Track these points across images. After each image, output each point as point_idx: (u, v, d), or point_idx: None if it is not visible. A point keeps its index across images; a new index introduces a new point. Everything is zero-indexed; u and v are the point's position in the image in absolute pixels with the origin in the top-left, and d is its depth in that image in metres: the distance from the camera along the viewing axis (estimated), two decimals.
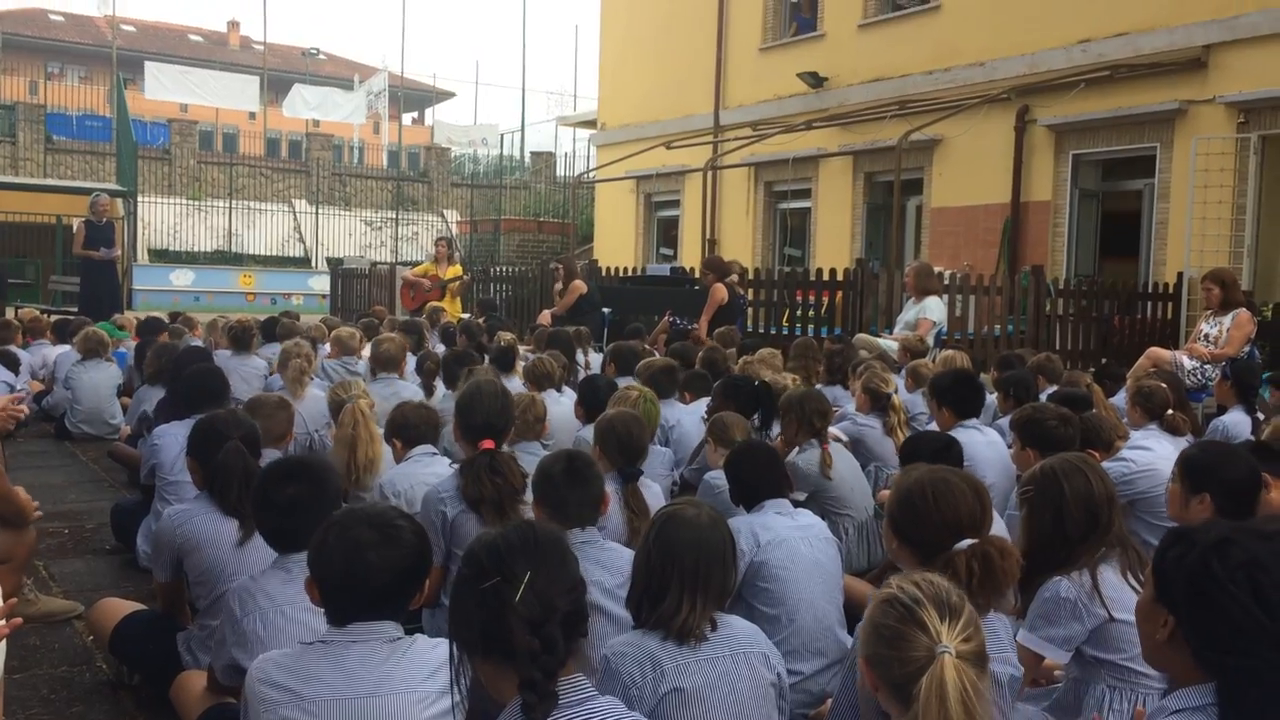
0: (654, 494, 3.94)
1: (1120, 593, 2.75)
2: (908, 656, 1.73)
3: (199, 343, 8.74)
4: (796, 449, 4.77)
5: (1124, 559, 2.82)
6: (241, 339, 7.72)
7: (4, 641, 2.26)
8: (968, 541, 2.47)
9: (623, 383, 5.72)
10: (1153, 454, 4.50)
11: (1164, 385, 5.16)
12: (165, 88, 27.00)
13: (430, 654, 2.22)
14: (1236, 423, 5.77)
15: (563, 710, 1.82)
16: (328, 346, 8.13)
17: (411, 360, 7.39)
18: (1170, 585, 1.86)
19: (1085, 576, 2.76)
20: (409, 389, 6.54)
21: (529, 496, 3.54)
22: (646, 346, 8.54)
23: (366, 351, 8.12)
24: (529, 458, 3.93)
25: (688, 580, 2.39)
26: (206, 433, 3.57)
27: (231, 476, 3.34)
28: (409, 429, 4.32)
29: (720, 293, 10.17)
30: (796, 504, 4.52)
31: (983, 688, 1.69)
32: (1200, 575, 1.80)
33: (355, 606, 2.20)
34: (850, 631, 3.31)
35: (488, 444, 3.68)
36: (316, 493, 2.79)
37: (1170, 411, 4.93)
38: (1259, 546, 1.80)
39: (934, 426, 5.24)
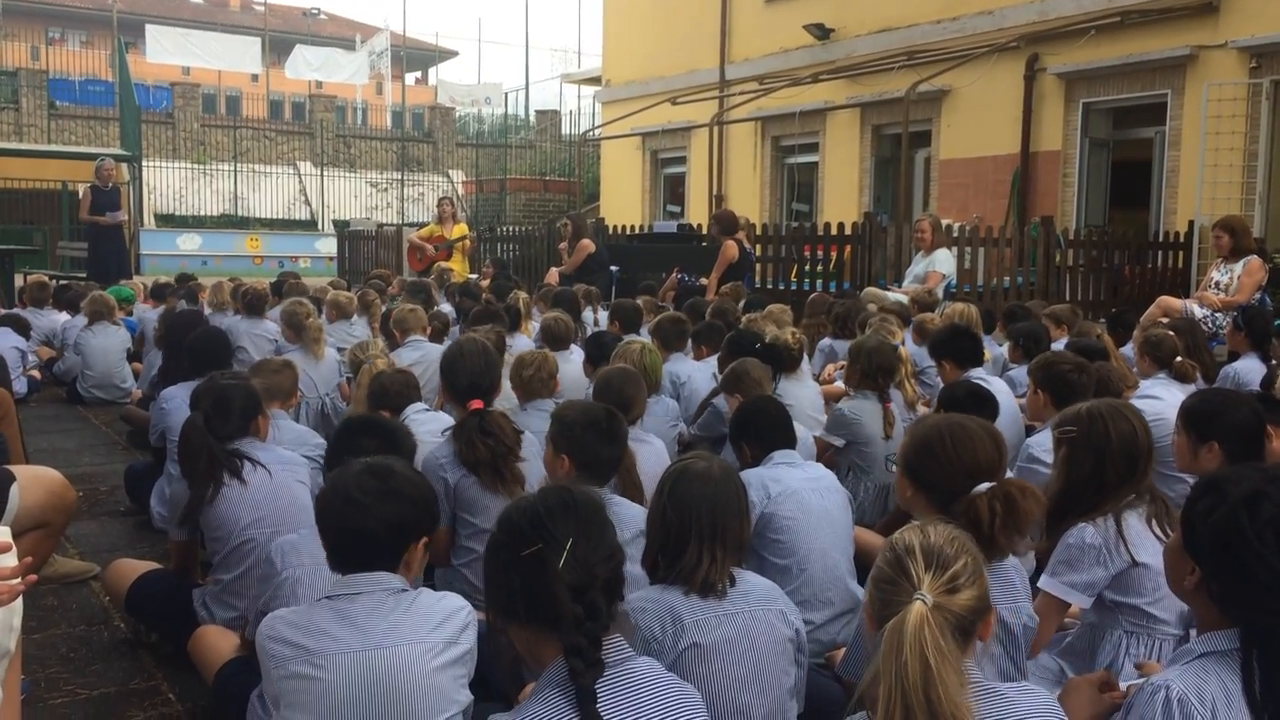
0: (655, 450, 3.94)
1: (1144, 539, 2.74)
2: (891, 600, 1.73)
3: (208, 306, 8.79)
4: (848, 397, 4.83)
5: (1150, 508, 2.80)
6: (255, 304, 7.73)
7: (21, 600, 2.28)
8: (986, 484, 2.46)
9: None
10: (1162, 403, 4.49)
11: (1171, 334, 5.15)
12: (166, 50, 26.83)
13: (437, 605, 2.24)
14: (1249, 369, 5.75)
15: (605, 671, 1.82)
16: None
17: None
18: (1197, 538, 1.84)
19: (1110, 522, 2.74)
20: (438, 350, 6.56)
21: (526, 453, 3.55)
22: (661, 303, 8.55)
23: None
24: (542, 415, 3.94)
25: (705, 533, 2.39)
26: (204, 395, 3.58)
27: (188, 448, 3.37)
28: (390, 398, 4.28)
29: (731, 250, 10.13)
30: (836, 450, 4.65)
31: (946, 641, 1.64)
32: (1228, 532, 1.78)
33: (349, 556, 2.23)
34: (860, 582, 3.34)
35: (476, 404, 3.65)
36: (392, 450, 2.79)
37: (1179, 359, 4.92)
38: None
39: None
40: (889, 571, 1.77)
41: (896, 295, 8.74)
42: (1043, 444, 4.04)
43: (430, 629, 2.19)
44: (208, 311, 8.39)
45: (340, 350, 7.07)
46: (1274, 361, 5.69)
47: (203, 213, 26.18)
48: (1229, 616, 1.81)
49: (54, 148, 24.56)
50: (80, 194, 14.29)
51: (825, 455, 4.75)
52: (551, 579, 1.81)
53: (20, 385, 8.00)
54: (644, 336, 6.12)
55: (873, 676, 1.68)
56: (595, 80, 22.99)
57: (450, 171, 30.24)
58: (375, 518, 2.20)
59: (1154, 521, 2.77)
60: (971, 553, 1.80)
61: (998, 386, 4.99)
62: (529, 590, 1.83)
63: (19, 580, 2.21)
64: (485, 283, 11.18)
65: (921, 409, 5.28)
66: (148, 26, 28.09)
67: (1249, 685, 1.76)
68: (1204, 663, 1.80)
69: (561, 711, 1.76)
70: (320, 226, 26.73)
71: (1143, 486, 2.82)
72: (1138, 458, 2.81)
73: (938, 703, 1.60)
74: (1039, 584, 2.82)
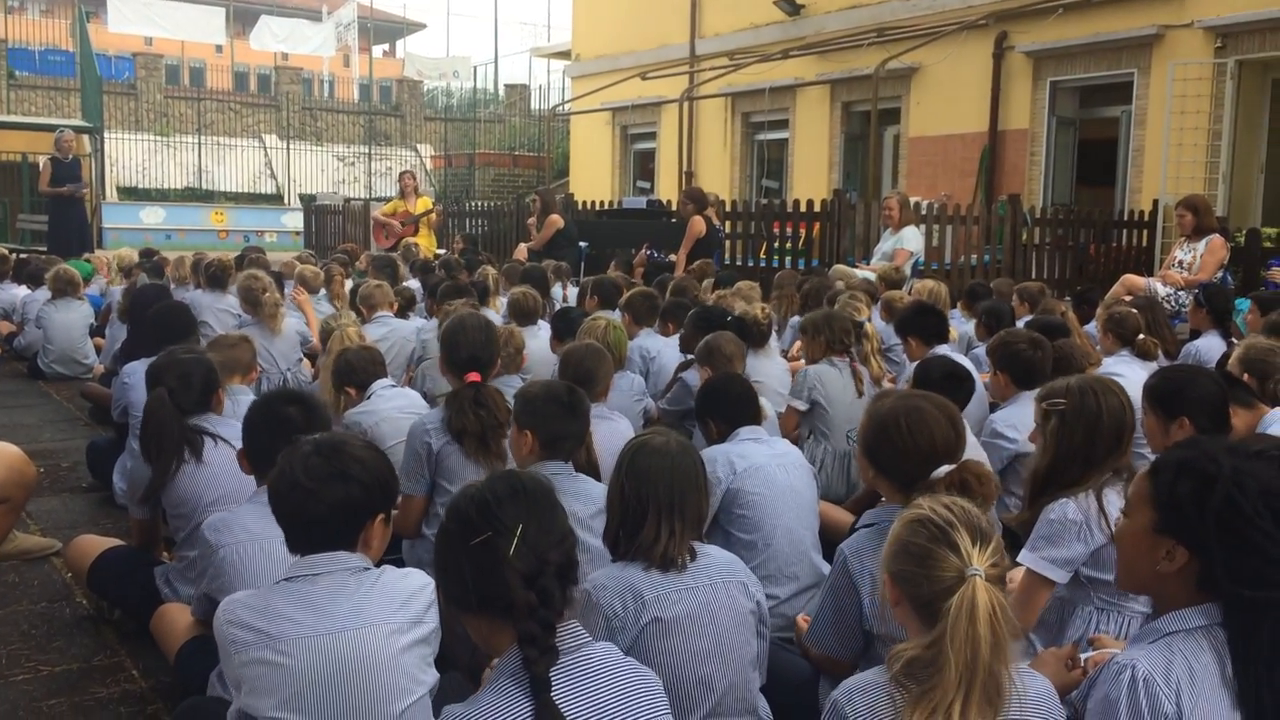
0: (619, 428, 3.94)
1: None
2: (937, 575, 1.77)
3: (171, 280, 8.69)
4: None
5: (1127, 485, 2.81)
6: (217, 278, 7.65)
7: None
8: (945, 468, 2.47)
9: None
10: (1124, 380, 4.51)
11: (1135, 311, 5.21)
12: (129, 20, 26.27)
13: (401, 584, 2.20)
14: (1209, 347, 5.83)
15: (560, 658, 1.79)
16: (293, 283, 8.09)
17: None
18: (1191, 524, 1.81)
19: (1091, 498, 2.76)
20: (405, 326, 6.55)
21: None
22: (632, 279, 8.55)
23: (346, 288, 8.10)
24: (508, 390, 3.95)
25: (664, 507, 2.40)
26: (166, 369, 3.56)
27: (151, 424, 3.35)
28: (356, 374, 4.29)
29: (698, 226, 10.11)
30: (800, 414, 4.72)
31: (1010, 612, 1.74)
32: (1229, 514, 1.77)
33: (303, 539, 2.19)
34: (825, 556, 3.36)
35: (473, 377, 3.70)
36: (311, 419, 2.82)
37: (1141, 336, 4.97)
38: (1265, 471, 1.79)
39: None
40: (929, 546, 1.79)
41: (864, 272, 8.77)
42: (1007, 419, 4.09)
43: (394, 609, 2.14)
44: (171, 286, 8.30)
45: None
46: (1233, 339, 5.76)
47: (166, 186, 25.79)
48: (1222, 596, 1.79)
49: (13, 118, 24.06)
50: (40, 166, 14.04)
51: (793, 431, 4.78)
52: (502, 567, 1.78)
53: None
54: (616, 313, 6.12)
55: (919, 646, 1.74)
56: (565, 54, 22.82)
57: (418, 145, 29.98)
58: (324, 502, 2.14)
59: None
60: (995, 527, 1.86)
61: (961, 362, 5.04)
62: (480, 579, 1.80)
63: None
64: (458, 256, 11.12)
65: (888, 385, 5.32)
66: None
67: (1238, 659, 1.76)
68: (1170, 641, 1.81)
69: (516, 701, 1.73)
70: (286, 200, 26.43)
71: (1123, 463, 2.83)
72: (1124, 432, 2.82)
73: (999, 673, 1.70)
74: (1018, 559, 2.84)
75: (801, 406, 4.77)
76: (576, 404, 3.15)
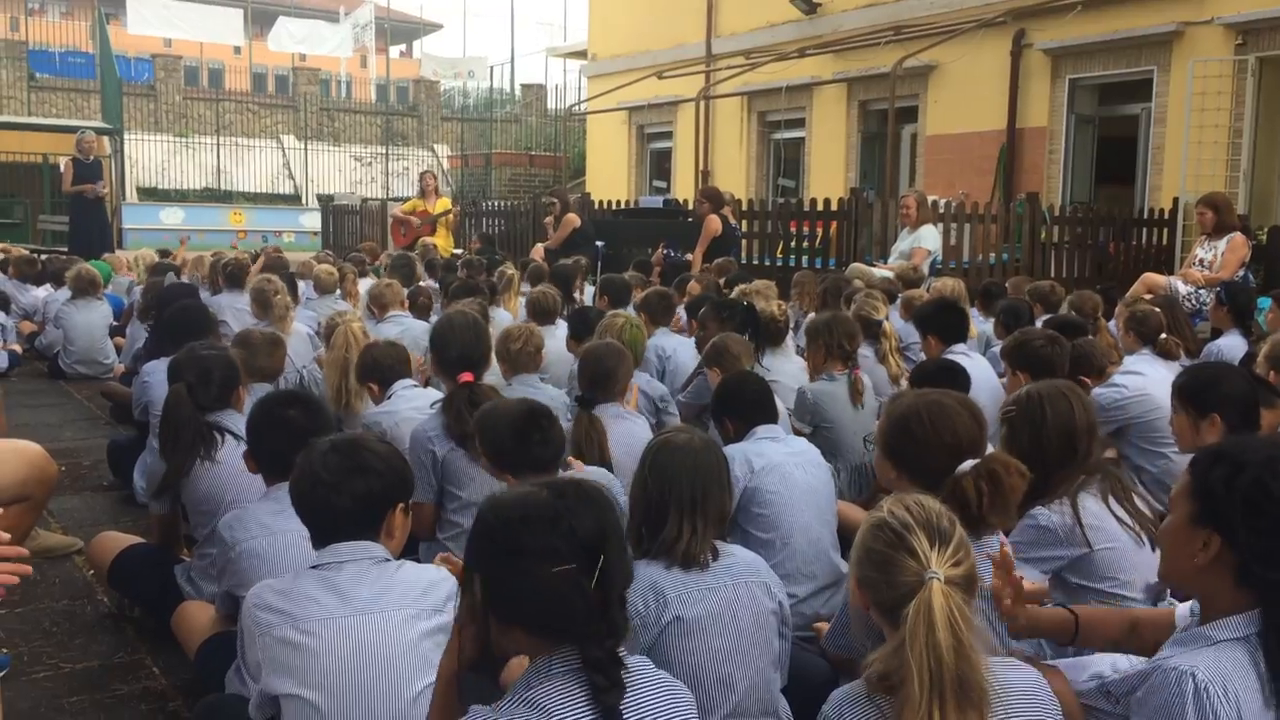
0: (638, 427, 3.92)
1: (1102, 521, 2.74)
2: (897, 580, 1.74)
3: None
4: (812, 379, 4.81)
5: (1103, 485, 2.80)
6: (236, 277, 7.68)
7: None
8: (970, 462, 2.44)
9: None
10: (1145, 379, 4.51)
11: (1157, 310, 5.17)
12: (148, 22, 26.43)
13: (421, 575, 2.27)
14: (1231, 346, 5.77)
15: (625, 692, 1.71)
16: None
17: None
18: (1221, 507, 1.81)
19: (1066, 506, 2.74)
20: (419, 325, 6.55)
21: None
22: (651, 279, 8.53)
23: (362, 287, 8.12)
24: (529, 389, 3.95)
25: (686, 504, 2.39)
26: (185, 365, 3.58)
27: (170, 419, 3.38)
28: (381, 370, 4.26)
29: (714, 224, 10.09)
30: (801, 435, 4.60)
31: (970, 612, 1.69)
32: (1257, 495, 1.77)
33: (329, 533, 2.25)
34: (844, 555, 3.35)
35: (466, 377, 3.66)
36: (314, 420, 2.87)
37: (1163, 335, 4.94)
38: None
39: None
40: (887, 551, 1.77)
41: (882, 271, 8.74)
42: None
43: (414, 596, 2.21)
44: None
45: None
46: (1253, 338, 5.71)
47: (185, 186, 25.94)
48: (1259, 585, 1.78)
49: (34, 120, 24.26)
50: (62, 166, 14.15)
51: None
52: (578, 596, 1.69)
53: (0, 360, 7.97)
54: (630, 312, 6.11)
55: (885, 657, 1.70)
56: (581, 54, 22.82)
57: (435, 145, 30.06)
58: (347, 494, 2.22)
59: (1110, 498, 2.78)
60: (958, 522, 1.83)
61: (978, 363, 5.00)
62: (550, 604, 1.70)
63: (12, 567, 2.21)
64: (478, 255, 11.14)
65: (905, 384, 5.29)
66: None
67: (1269, 654, 1.75)
68: (1219, 649, 1.78)
69: (575, 699, 1.67)
70: (304, 201, 26.54)
71: (1091, 464, 2.82)
72: (1075, 436, 2.80)
73: (968, 675, 1.65)
74: None
75: (805, 429, 4.65)
76: (545, 432, 2.91)
